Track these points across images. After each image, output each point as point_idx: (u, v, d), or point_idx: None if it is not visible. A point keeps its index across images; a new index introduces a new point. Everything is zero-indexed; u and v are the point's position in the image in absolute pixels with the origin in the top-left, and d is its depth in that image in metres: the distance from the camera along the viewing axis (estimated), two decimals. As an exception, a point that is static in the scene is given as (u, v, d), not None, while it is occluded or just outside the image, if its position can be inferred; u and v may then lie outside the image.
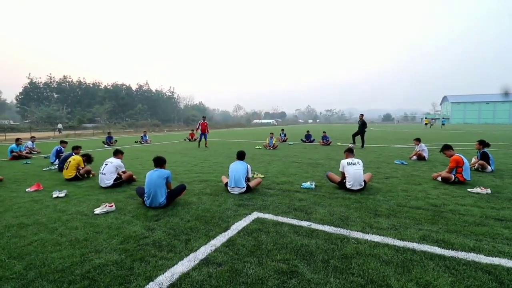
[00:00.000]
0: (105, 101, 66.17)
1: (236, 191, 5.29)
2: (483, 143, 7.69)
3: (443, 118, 65.89)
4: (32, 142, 13.40)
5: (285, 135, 17.87)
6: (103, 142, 17.23)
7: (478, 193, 5.16)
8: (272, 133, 14.99)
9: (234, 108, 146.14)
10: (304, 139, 17.51)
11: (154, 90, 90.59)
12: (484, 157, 7.45)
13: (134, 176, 6.48)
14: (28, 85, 67.11)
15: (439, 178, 6.19)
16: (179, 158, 10.84)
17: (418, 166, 8.28)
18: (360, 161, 5.59)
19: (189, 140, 20.37)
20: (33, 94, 67.15)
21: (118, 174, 6.08)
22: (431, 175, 6.76)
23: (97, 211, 4.30)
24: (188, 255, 2.93)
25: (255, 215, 4.15)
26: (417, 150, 9.76)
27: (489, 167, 7.31)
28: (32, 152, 12.60)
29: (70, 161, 6.76)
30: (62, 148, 9.84)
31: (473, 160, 7.93)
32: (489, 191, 5.19)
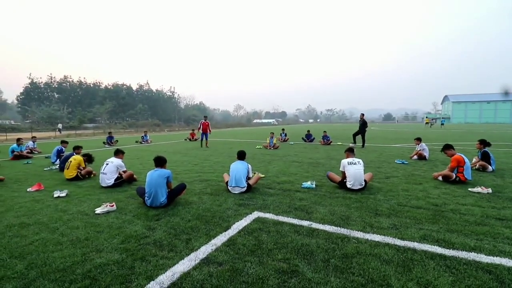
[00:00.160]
0: (105, 101, 66.20)
1: (236, 190, 5.30)
2: (484, 143, 7.68)
3: (442, 118, 65.90)
4: (33, 142, 13.43)
5: (285, 135, 17.86)
6: (104, 142, 17.26)
7: (479, 193, 5.15)
8: (273, 133, 15.00)
9: (234, 107, 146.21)
10: (304, 139, 17.50)
11: (154, 90, 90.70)
12: (485, 156, 7.44)
13: (134, 176, 6.49)
14: (29, 85, 67.23)
15: (440, 178, 6.18)
16: (179, 158, 10.85)
17: (418, 166, 8.27)
18: (360, 160, 5.59)
19: (190, 140, 20.37)
20: (33, 94, 67.28)
21: (119, 173, 6.09)
22: (431, 174, 6.75)
23: (98, 210, 4.31)
24: (189, 255, 2.94)
25: (256, 214, 4.16)
26: (418, 149, 9.75)
27: (490, 166, 7.30)
28: (33, 152, 12.63)
29: (71, 161, 6.77)
30: (63, 148, 9.87)
31: (474, 159, 7.91)
32: (490, 190, 5.18)
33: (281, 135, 17.70)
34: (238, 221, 3.89)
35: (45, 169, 8.56)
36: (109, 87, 78.24)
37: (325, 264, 2.73)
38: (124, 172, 6.24)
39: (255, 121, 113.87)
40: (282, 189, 5.62)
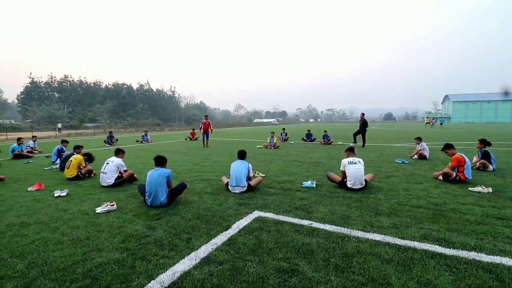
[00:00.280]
0: (106, 101, 66.20)
1: (237, 190, 5.30)
2: (484, 142, 7.68)
3: (441, 117, 65.90)
4: (34, 141, 13.44)
5: (286, 134, 17.86)
6: (104, 141, 17.28)
7: (479, 192, 5.15)
8: (273, 132, 15.00)
9: (235, 107, 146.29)
10: (305, 138, 17.49)
11: (155, 90, 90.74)
12: (486, 156, 7.43)
13: (135, 175, 6.50)
14: (29, 85, 67.29)
15: (441, 177, 6.18)
16: (180, 157, 10.86)
17: (419, 165, 8.27)
18: (361, 160, 5.59)
19: (190, 139, 20.39)
20: (34, 93, 67.36)
21: (119, 173, 6.10)
22: (432, 174, 6.75)
23: (99, 210, 4.32)
24: (189, 254, 2.94)
25: (256, 214, 4.16)
26: (418, 149, 9.74)
27: (490, 166, 7.29)
28: (34, 151, 12.64)
29: (71, 161, 6.78)
30: (64, 147, 9.88)
31: (475, 159, 7.91)
32: (490, 190, 5.18)
33: (281, 134, 17.71)
34: (238, 220, 3.90)
35: (45, 168, 8.57)
36: (109, 86, 78.23)
37: (326, 263, 2.74)
38: (125, 171, 6.25)
39: (255, 120, 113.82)
40: (283, 189, 5.62)
